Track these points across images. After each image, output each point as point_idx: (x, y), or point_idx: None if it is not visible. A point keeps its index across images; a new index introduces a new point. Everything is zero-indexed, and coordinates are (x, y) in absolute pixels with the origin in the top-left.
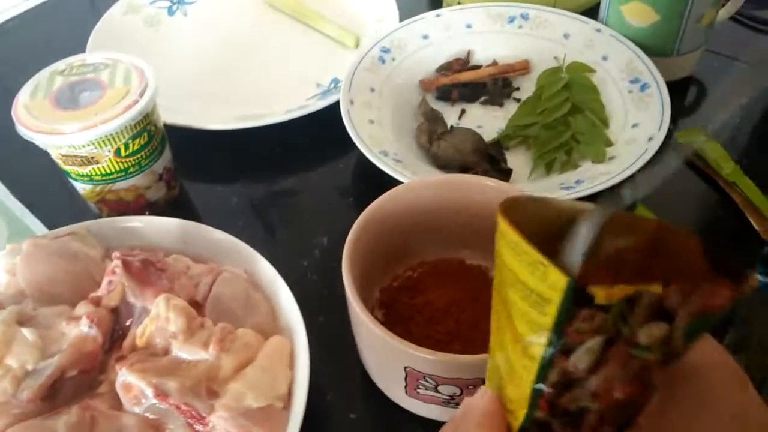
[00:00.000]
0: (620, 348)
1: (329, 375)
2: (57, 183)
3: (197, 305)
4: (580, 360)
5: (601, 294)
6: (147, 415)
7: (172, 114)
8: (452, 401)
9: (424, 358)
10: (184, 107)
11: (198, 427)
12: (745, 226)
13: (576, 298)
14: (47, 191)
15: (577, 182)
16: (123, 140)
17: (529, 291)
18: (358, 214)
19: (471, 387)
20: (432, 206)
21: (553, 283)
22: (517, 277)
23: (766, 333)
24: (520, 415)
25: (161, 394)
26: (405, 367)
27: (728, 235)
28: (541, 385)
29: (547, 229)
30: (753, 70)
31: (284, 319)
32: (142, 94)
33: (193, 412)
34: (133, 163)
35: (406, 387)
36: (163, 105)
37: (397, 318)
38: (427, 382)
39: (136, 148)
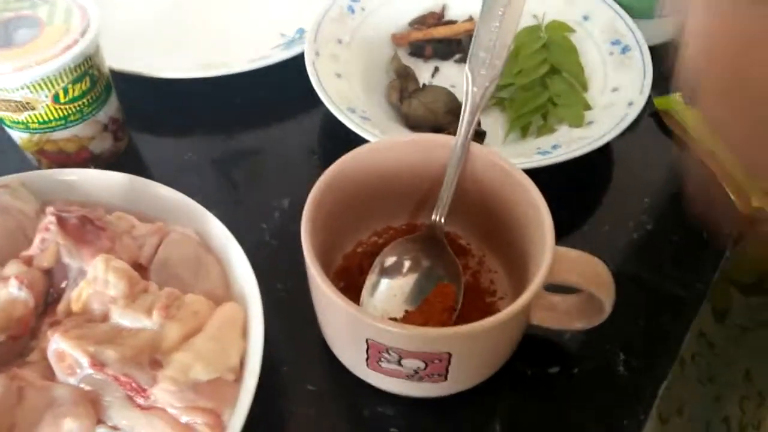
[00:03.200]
0: None
1: (286, 345)
2: None
3: (141, 268)
4: None
5: None
6: (82, 386)
7: (122, 60)
8: (416, 375)
9: (386, 330)
10: (135, 54)
11: (139, 400)
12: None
13: None
14: None
15: (554, 147)
16: (62, 84)
17: None
18: None
19: (437, 361)
20: (400, 168)
21: None
22: None
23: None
24: None
25: (98, 364)
26: (367, 339)
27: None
28: None
29: None
30: None
31: (238, 284)
32: (83, 34)
33: (134, 384)
34: (74, 110)
35: (367, 360)
36: (112, 51)
37: (359, 286)
38: (389, 354)
39: (76, 94)
